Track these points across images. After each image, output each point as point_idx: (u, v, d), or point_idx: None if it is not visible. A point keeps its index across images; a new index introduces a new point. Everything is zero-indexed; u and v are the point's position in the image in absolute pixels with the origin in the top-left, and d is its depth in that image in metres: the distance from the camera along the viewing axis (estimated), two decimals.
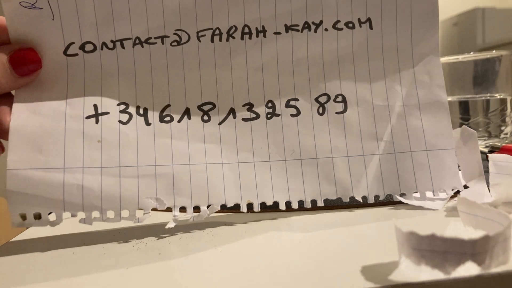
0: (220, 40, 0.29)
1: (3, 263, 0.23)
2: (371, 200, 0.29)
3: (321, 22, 0.30)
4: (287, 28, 0.29)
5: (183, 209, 0.27)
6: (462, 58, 0.52)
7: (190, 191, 0.27)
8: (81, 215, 0.25)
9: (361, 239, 0.23)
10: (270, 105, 0.29)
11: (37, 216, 0.25)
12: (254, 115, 0.29)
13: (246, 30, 0.29)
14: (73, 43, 0.27)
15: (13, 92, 0.26)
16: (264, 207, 0.28)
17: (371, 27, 0.30)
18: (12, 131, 0.25)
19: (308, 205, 0.29)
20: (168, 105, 0.28)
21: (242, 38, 0.29)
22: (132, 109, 0.27)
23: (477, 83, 0.52)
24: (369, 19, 0.30)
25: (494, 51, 0.51)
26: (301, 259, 0.21)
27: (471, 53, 0.52)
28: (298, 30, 0.29)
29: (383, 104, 0.30)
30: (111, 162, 0.26)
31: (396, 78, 0.31)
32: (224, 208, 0.28)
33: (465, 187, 0.30)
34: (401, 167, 0.30)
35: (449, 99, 0.52)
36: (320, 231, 0.25)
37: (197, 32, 0.28)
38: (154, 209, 0.26)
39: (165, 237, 0.26)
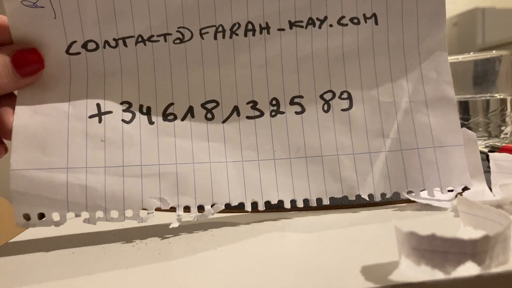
0: (224, 37, 0.28)
1: (3, 263, 0.23)
2: (377, 198, 0.29)
3: (325, 18, 0.29)
4: (291, 25, 0.29)
5: (186, 209, 0.27)
6: (462, 58, 0.52)
7: (194, 190, 0.27)
8: (85, 215, 0.25)
9: (361, 239, 0.23)
10: (274, 102, 0.29)
11: (41, 216, 0.25)
12: (258, 113, 0.29)
13: (250, 27, 0.28)
14: (75, 41, 0.26)
15: (15, 92, 0.26)
16: (268, 206, 0.28)
17: (376, 23, 0.30)
18: (15, 132, 0.25)
19: (313, 203, 0.28)
20: (172, 104, 0.28)
21: (245, 35, 0.29)
22: (135, 108, 0.27)
23: (477, 83, 0.52)
24: (374, 15, 0.30)
25: (494, 51, 0.51)
26: (301, 259, 0.21)
27: (471, 53, 0.52)
28: (302, 26, 0.29)
29: (389, 100, 0.30)
30: (114, 162, 0.26)
31: (403, 74, 0.30)
32: (228, 207, 0.27)
33: (466, 188, 0.30)
34: (408, 164, 0.29)
35: None
36: (320, 232, 0.25)
37: (200, 30, 0.28)
38: (158, 209, 0.26)
39: (165, 237, 0.26)
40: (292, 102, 0.29)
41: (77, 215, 0.25)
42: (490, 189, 0.31)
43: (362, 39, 0.30)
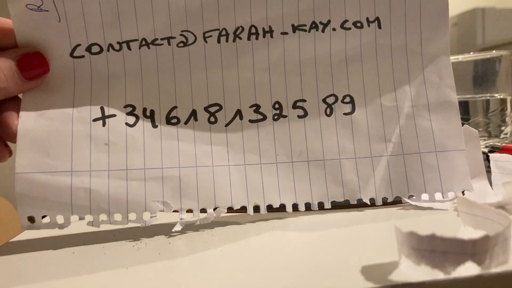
0: (227, 40, 0.28)
1: (3, 263, 0.23)
2: (379, 202, 0.29)
3: (328, 21, 0.29)
4: (294, 28, 0.29)
5: (189, 211, 0.27)
6: (462, 58, 0.52)
7: (196, 194, 0.27)
8: (89, 218, 0.25)
9: (361, 239, 0.23)
10: (277, 106, 0.29)
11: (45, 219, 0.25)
12: (261, 117, 0.29)
13: (253, 30, 0.29)
14: (79, 45, 0.27)
15: (20, 95, 0.26)
16: (270, 210, 0.28)
17: (379, 27, 0.30)
18: (19, 135, 0.25)
19: (315, 207, 0.28)
20: (175, 107, 0.28)
21: (249, 39, 0.29)
22: (138, 111, 0.27)
23: (477, 83, 0.52)
24: (377, 19, 0.30)
25: (494, 51, 0.51)
26: (301, 259, 0.21)
27: (471, 53, 0.52)
28: (305, 30, 0.29)
29: (391, 104, 0.30)
30: (118, 165, 0.26)
31: (405, 78, 0.30)
32: (230, 210, 0.28)
33: None
34: (410, 168, 0.29)
35: None
36: (320, 231, 0.25)
37: (204, 33, 0.28)
38: (161, 212, 0.26)
39: (165, 237, 0.26)
40: (294, 106, 0.29)
41: (81, 218, 0.25)
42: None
43: (365, 43, 0.30)
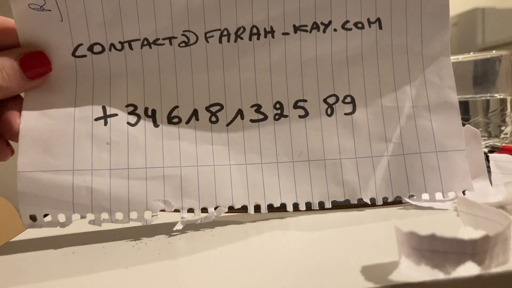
0: (228, 41, 0.29)
1: (3, 263, 0.23)
2: (379, 202, 0.29)
3: (330, 22, 0.29)
4: (296, 29, 0.29)
5: (190, 210, 0.27)
6: (462, 58, 0.52)
7: (198, 193, 0.27)
8: (90, 216, 0.25)
9: (361, 239, 0.23)
10: (278, 106, 0.29)
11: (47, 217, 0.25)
12: (262, 116, 0.29)
13: (254, 30, 0.29)
14: (81, 44, 0.27)
15: (22, 94, 0.26)
16: (271, 209, 0.28)
17: (380, 27, 0.30)
18: (21, 134, 0.25)
19: (315, 206, 0.29)
20: (176, 107, 0.28)
21: (250, 39, 0.29)
22: (140, 111, 0.27)
23: (477, 83, 0.52)
24: (378, 19, 0.30)
25: (494, 51, 0.51)
26: (300, 259, 0.21)
27: (471, 53, 0.52)
28: (306, 31, 0.29)
29: (392, 105, 0.30)
30: (119, 164, 0.26)
31: (406, 79, 0.30)
32: (231, 210, 0.28)
33: None
34: (410, 168, 0.29)
35: None
36: (320, 231, 0.25)
37: (205, 33, 0.28)
38: (162, 211, 0.26)
39: (165, 237, 0.26)
40: (295, 106, 0.29)
41: (82, 217, 0.25)
42: None
43: (366, 43, 0.30)
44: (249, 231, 0.26)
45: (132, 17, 0.27)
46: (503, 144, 0.44)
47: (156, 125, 0.28)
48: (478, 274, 0.17)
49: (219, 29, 0.28)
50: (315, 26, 0.29)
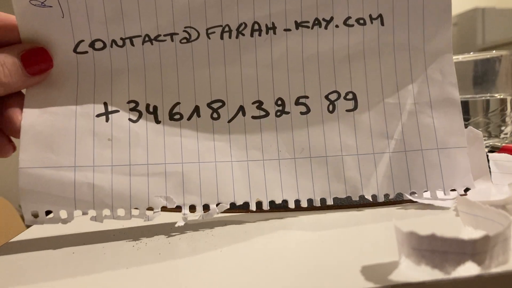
0: (230, 37, 0.28)
1: (3, 263, 0.23)
2: (381, 198, 0.29)
3: (331, 18, 0.29)
4: (297, 25, 0.29)
5: (192, 208, 0.27)
6: (462, 58, 0.52)
7: (199, 190, 0.27)
8: (92, 213, 0.25)
9: (361, 239, 0.23)
10: (279, 102, 0.29)
11: (48, 214, 0.25)
12: (263, 113, 0.29)
13: (256, 27, 0.29)
14: (82, 40, 0.27)
15: (24, 91, 0.26)
16: (273, 206, 0.28)
17: (382, 24, 0.30)
18: (23, 130, 0.25)
19: (317, 203, 0.29)
20: (178, 103, 0.28)
21: (251, 35, 0.29)
22: (141, 107, 0.27)
23: (477, 83, 0.52)
24: (380, 15, 0.30)
25: (494, 51, 0.51)
26: (300, 259, 0.21)
27: (471, 53, 0.52)
28: (308, 27, 0.29)
29: (394, 101, 0.30)
30: (121, 161, 0.26)
31: (408, 76, 0.30)
32: (233, 206, 0.28)
33: (468, 188, 0.30)
34: (412, 165, 0.29)
35: None
36: (321, 231, 0.25)
37: (207, 29, 0.28)
38: (164, 207, 0.26)
39: (165, 237, 0.26)
40: (297, 102, 0.29)
41: (84, 213, 0.25)
42: None
43: (368, 40, 0.30)
44: (249, 231, 0.26)
45: (133, 13, 0.27)
46: (503, 144, 0.44)
47: (157, 121, 0.28)
48: (478, 274, 0.17)
49: (221, 25, 0.28)
50: (316, 22, 0.29)
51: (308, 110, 0.29)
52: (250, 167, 0.28)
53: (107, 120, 0.26)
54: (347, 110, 0.30)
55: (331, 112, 0.30)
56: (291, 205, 0.28)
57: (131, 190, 0.26)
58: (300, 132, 0.29)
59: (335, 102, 0.30)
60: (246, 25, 0.28)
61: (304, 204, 0.28)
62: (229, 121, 0.29)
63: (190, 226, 0.28)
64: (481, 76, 0.51)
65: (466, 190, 0.30)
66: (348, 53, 0.30)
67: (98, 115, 0.26)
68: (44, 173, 0.25)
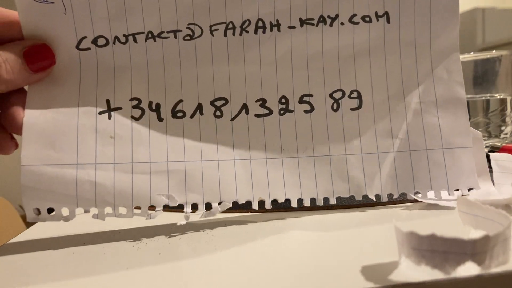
0: (234, 34, 0.28)
1: (3, 263, 0.23)
2: (384, 198, 0.29)
3: (337, 15, 0.29)
4: (302, 22, 0.29)
5: (194, 207, 0.27)
6: (462, 58, 0.51)
7: (202, 188, 0.27)
8: (94, 210, 0.25)
9: (361, 239, 0.23)
10: (283, 100, 0.29)
11: (51, 211, 0.25)
12: (267, 111, 0.29)
13: (260, 24, 0.28)
14: (85, 37, 0.26)
15: (26, 88, 0.26)
16: (276, 205, 0.28)
17: (388, 21, 0.29)
18: (25, 127, 0.25)
19: (320, 202, 0.28)
20: (181, 101, 0.28)
21: (255, 32, 0.28)
22: (144, 105, 0.27)
23: (477, 83, 0.51)
24: (386, 13, 0.29)
25: (494, 51, 0.51)
26: (301, 259, 0.21)
27: (471, 53, 0.52)
28: (313, 24, 0.29)
29: (399, 100, 0.30)
30: (123, 158, 0.26)
31: (413, 74, 0.30)
32: (235, 205, 0.27)
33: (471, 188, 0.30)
34: (416, 165, 0.29)
35: None
36: (320, 232, 0.25)
37: (210, 26, 0.28)
38: (166, 206, 0.26)
39: (165, 237, 0.26)
40: (301, 101, 0.29)
41: (86, 211, 0.25)
42: None
43: (373, 37, 0.30)
44: (249, 231, 0.26)
45: (136, 9, 0.27)
46: (503, 144, 0.44)
47: (160, 119, 0.27)
48: (478, 274, 0.17)
49: (224, 22, 0.28)
50: (321, 19, 0.29)
51: (312, 109, 0.29)
52: (253, 165, 0.28)
53: (109, 117, 0.26)
54: (351, 109, 0.29)
55: (335, 110, 0.29)
56: (294, 204, 0.28)
57: (133, 188, 0.26)
58: (304, 131, 0.29)
59: (340, 101, 0.29)
60: (250, 22, 0.28)
61: (307, 203, 0.28)
62: (232, 119, 0.28)
63: (191, 227, 0.28)
64: (481, 76, 0.51)
65: (469, 190, 0.30)
66: (353, 51, 0.30)
67: (100, 113, 0.26)
68: (46, 171, 0.24)
